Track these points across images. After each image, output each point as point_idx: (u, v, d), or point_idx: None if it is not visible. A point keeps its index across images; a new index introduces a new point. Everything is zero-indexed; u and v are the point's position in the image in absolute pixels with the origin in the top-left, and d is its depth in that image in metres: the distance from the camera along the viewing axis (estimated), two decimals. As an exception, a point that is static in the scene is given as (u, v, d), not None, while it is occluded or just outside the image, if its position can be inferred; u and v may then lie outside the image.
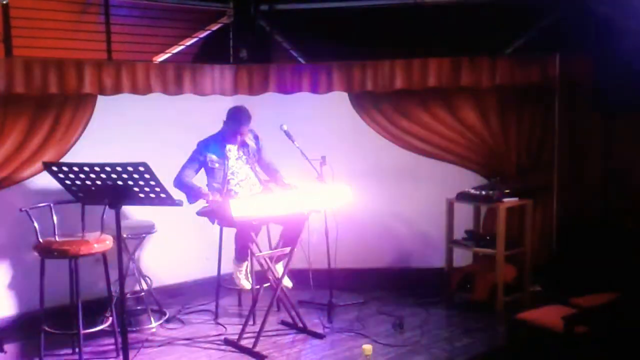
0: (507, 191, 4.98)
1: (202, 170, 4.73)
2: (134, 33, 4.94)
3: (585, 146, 5.07)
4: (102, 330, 4.32)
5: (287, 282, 4.74)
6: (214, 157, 4.68)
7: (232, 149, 4.77)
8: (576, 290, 3.93)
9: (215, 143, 4.73)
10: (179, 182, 4.63)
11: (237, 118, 4.68)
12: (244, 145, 4.79)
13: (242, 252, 4.79)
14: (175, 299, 5.21)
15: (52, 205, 4.21)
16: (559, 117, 5.27)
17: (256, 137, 4.88)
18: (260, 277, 4.75)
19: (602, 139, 4.93)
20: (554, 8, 5.13)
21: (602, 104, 4.81)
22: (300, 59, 5.60)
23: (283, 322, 4.73)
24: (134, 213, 5.03)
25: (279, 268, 4.65)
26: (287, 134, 4.74)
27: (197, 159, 4.68)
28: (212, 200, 4.49)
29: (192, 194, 4.60)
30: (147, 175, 3.19)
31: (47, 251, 4.00)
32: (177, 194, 3.41)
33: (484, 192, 5.01)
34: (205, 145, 4.70)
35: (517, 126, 5.36)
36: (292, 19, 5.51)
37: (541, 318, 3.59)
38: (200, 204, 4.65)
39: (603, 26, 4.68)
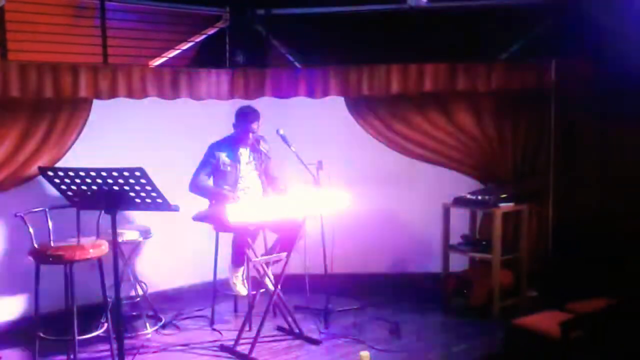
0: (503, 196, 4.97)
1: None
2: (130, 37, 4.93)
3: (581, 151, 5.08)
4: (97, 336, 4.30)
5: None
6: (226, 159, 4.69)
7: (243, 153, 4.77)
8: (573, 295, 3.93)
9: (228, 145, 4.73)
10: (195, 187, 4.64)
11: (245, 115, 4.71)
12: (255, 150, 4.78)
13: (239, 258, 4.78)
14: (171, 305, 5.18)
15: (47, 210, 4.18)
16: (555, 122, 5.28)
17: (265, 143, 4.87)
18: (256, 282, 4.74)
19: (599, 144, 4.94)
20: (551, 13, 5.14)
21: (598, 109, 4.82)
22: (296, 63, 5.60)
23: (279, 328, 4.71)
24: (129, 218, 5.01)
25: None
26: (283, 138, 4.73)
27: (209, 162, 4.68)
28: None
29: (212, 196, 4.60)
30: (143, 180, 3.18)
31: (42, 256, 3.97)
32: (174, 199, 3.37)
33: (480, 197, 5.01)
34: (217, 147, 4.71)
35: (513, 131, 5.36)
36: (288, 24, 5.52)
37: (538, 323, 3.59)
38: (195, 209, 4.63)
39: (599, 31, 4.69)
